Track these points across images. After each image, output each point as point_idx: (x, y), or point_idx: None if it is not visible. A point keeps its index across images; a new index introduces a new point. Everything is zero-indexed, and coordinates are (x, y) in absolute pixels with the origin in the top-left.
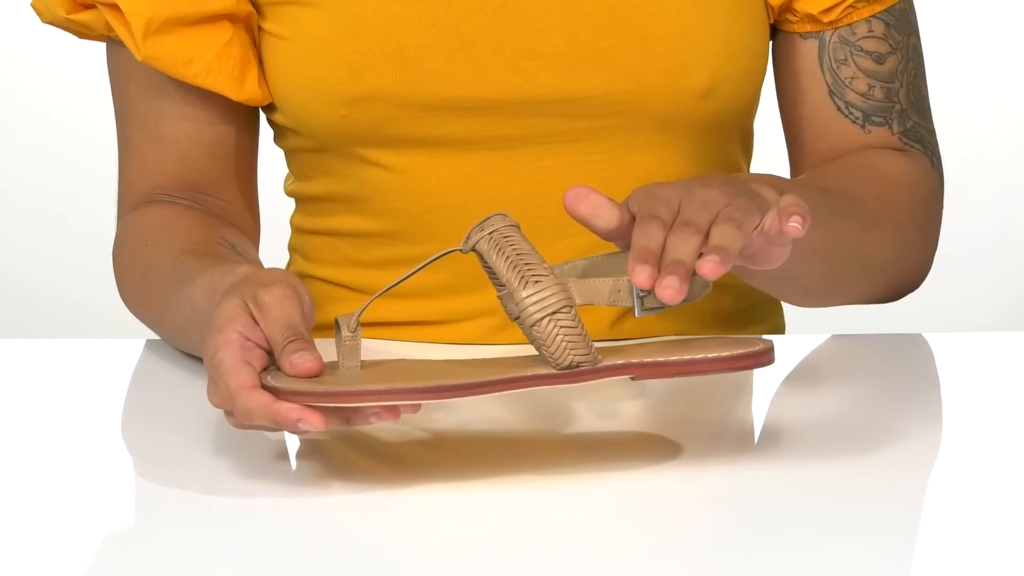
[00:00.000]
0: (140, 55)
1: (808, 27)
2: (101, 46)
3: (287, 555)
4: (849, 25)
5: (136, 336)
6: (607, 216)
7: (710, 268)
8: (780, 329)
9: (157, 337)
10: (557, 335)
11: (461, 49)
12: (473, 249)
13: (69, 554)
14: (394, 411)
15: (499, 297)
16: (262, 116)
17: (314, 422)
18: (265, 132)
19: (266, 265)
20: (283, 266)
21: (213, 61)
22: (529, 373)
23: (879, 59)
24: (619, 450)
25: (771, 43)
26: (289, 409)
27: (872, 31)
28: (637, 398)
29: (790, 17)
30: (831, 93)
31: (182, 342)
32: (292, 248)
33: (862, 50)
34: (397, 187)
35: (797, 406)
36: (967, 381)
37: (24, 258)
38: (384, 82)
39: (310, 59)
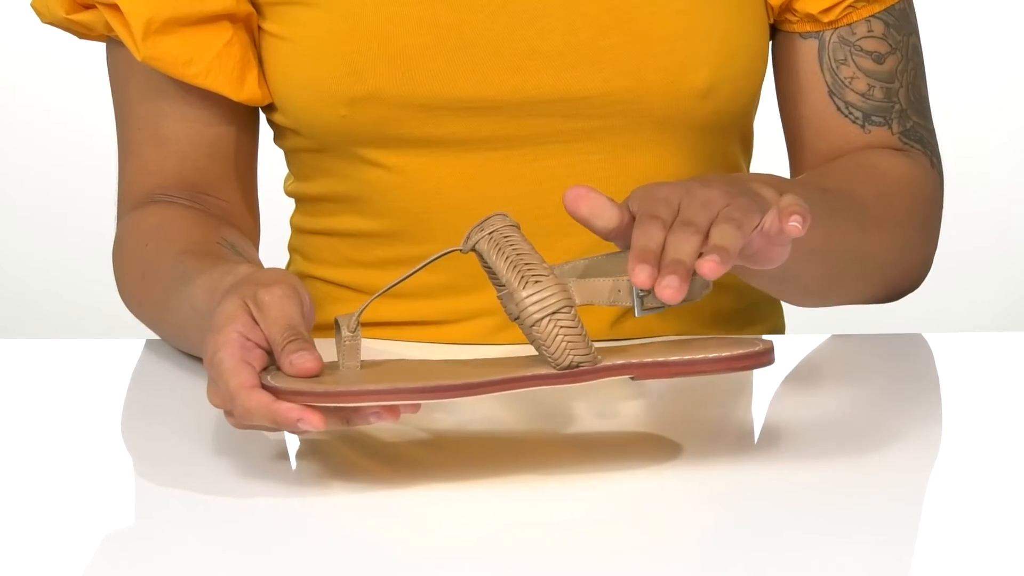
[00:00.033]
0: (140, 55)
1: (808, 27)
2: (101, 46)
3: (287, 555)
4: (849, 25)
5: (136, 336)
6: (607, 216)
7: (710, 268)
8: (780, 329)
9: (157, 337)
10: (557, 335)
11: (461, 49)
12: (473, 249)
13: (69, 554)
14: (394, 411)
15: (499, 297)
16: (262, 116)
17: (314, 422)
18: (265, 132)
19: (266, 265)
20: (283, 266)
21: (213, 61)
22: (529, 373)
23: (879, 59)
24: (619, 450)
25: (771, 43)
26: (289, 409)
27: (872, 31)
28: (637, 398)
29: (790, 17)
30: (831, 93)
31: (182, 342)
32: (292, 248)
33: (862, 50)
34: (397, 187)
35: (797, 406)
36: (967, 381)
37: (24, 258)
38: (384, 82)
39: (310, 59)
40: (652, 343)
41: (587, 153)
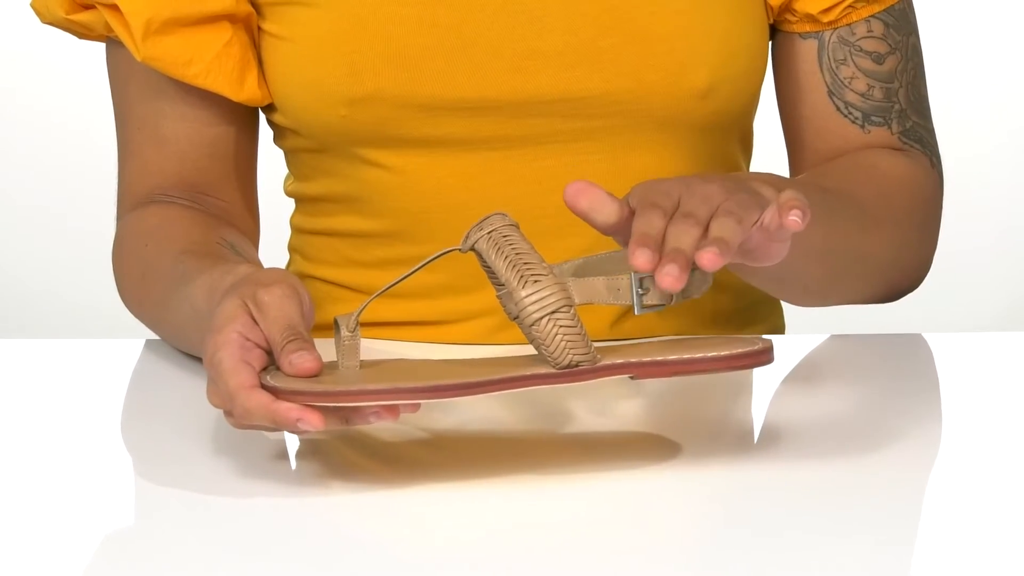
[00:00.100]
0: (140, 56)
1: (807, 27)
2: (101, 46)
3: (287, 555)
4: (848, 25)
5: (136, 336)
6: (607, 211)
7: (709, 259)
8: (780, 329)
9: (157, 337)
10: (556, 334)
11: (461, 49)
12: (472, 249)
13: (69, 554)
14: (394, 411)
15: (498, 297)
16: (262, 116)
17: (313, 422)
18: (265, 132)
19: (266, 265)
20: (283, 266)
21: (213, 61)
22: (529, 373)
23: (878, 59)
24: (619, 450)
25: (771, 43)
26: (288, 409)
27: (871, 31)
28: (637, 398)
29: (789, 17)
30: (830, 93)
31: (182, 342)
32: (292, 248)
33: (861, 50)
34: (397, 187)
35: (797, 406)
36: (967, 381)
37: (24, 258)
38: (384, 82)
39: (310, 59)
40: (651, 342)
41: (587, 153)
